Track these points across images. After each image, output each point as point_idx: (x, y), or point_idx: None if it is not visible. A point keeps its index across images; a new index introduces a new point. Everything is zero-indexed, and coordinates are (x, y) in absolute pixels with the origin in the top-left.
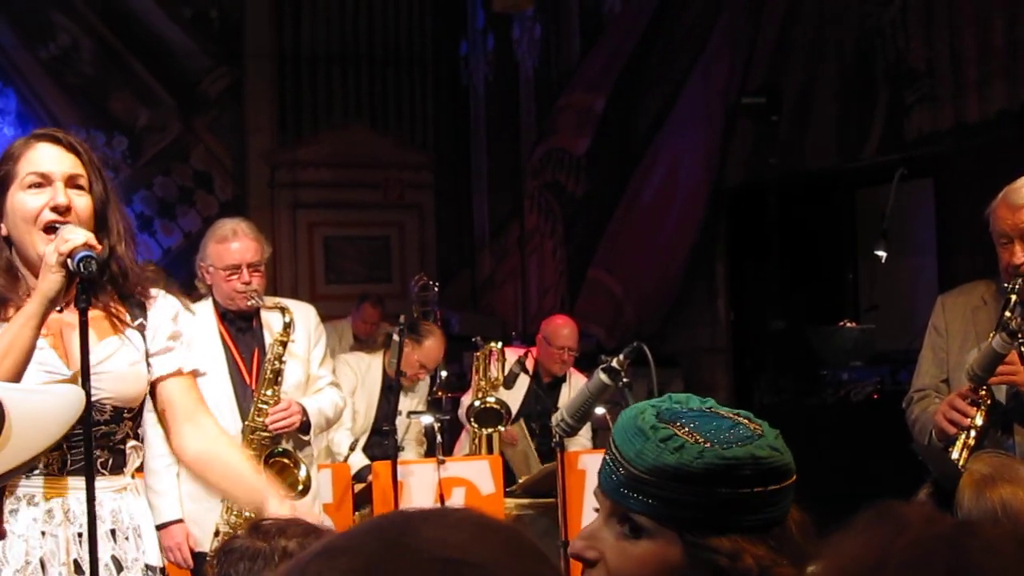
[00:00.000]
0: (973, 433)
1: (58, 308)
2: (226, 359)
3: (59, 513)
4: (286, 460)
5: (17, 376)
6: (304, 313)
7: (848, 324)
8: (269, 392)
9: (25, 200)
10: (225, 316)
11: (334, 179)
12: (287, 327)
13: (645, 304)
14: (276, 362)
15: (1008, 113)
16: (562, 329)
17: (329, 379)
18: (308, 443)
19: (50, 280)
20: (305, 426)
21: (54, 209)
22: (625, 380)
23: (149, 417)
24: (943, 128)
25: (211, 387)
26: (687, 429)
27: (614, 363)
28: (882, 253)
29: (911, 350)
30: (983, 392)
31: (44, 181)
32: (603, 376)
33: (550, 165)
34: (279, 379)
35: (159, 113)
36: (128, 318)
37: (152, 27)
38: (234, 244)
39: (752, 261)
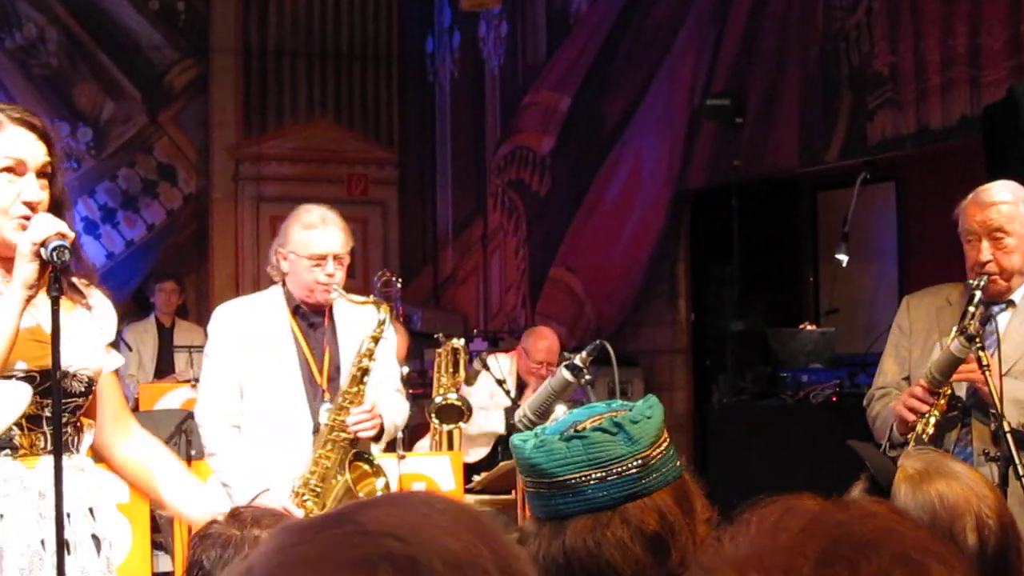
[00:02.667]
0: (933, 420)
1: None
2: (297, 356)
3: (50, 494)
4: (367, 467)
5: (3, 363)
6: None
7: (808, 327)
8: (354, 389)
9: None
10: (297, 310)
11: (298, 174)
12: (381, 323)
13: (606, 303)
14: (366, 359)
15: (970, 119)
16: (539, 343)
17: (396, 386)
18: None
19: (26, 269)
20: (380, 433)
21: (26, 203)
22: (588, 378)
23: (202, 409)
24: (906, 133)
25: (282, 385)
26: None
27: (577, 360)
28: (843, 257)
29: (871, 353)
30: (943, 389)
31: (17, 168)
32: (566, 373)
33: (514, 163)
34: (365, 377)
35: (124, 105)
36: (75, 295)
37: (118, 19)
38: (322, 232)
39: (713, 262)
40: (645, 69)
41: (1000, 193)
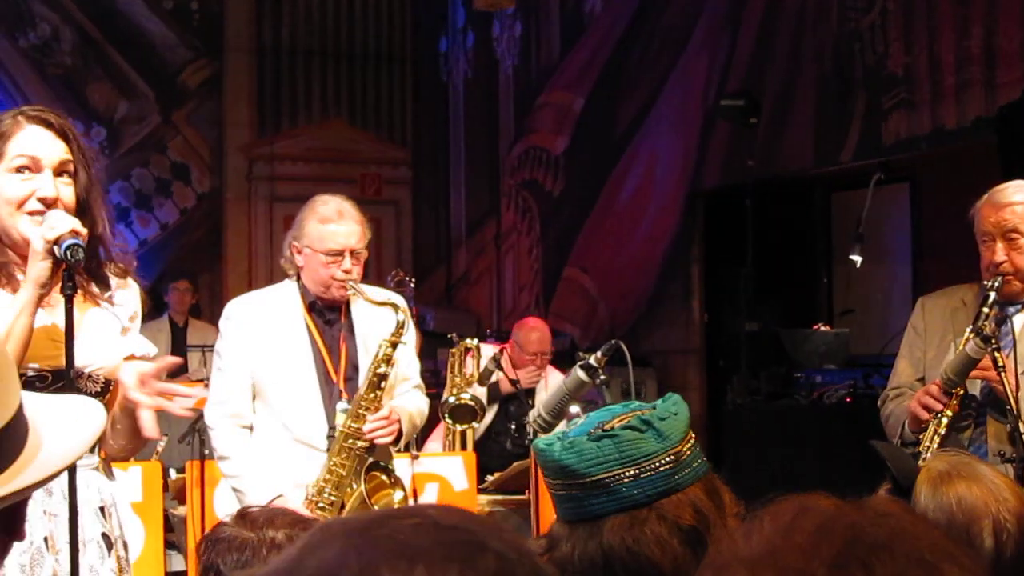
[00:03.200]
0: (945, 421)
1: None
2: (312, 354)
3: (57, 491)
4: (384, 477)
5: (18, 363)
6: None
7: (822, 327)
8: (371, 395)
9: (11, 183)
10: (313, 306)
11: (311, 173)
12: (400, 326)
13: (620, 303)
14: (383, 364)
15: (985, 120)
16: (531, 334)
17: (416, 381)
18: (393, 453)
19: (39, 268)
20: (397, 435)
21: (41, 200)
22: (603, 378)
23: (211, 409)
24: (920, 133)
25: (297, 384)
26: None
27: (592, 360)
28: (857, 258)
29: (884, 355)
30: (956, 389)
31: (33, 166)
32: (581, 373)
33: (528, 163)
34: (382, 383)
35: (138, 104)
36: (97, 291)
37: (132, 18)
38: (338, 226)
39: (727, 263)
40: (659, 69)
41: (1015, 194)
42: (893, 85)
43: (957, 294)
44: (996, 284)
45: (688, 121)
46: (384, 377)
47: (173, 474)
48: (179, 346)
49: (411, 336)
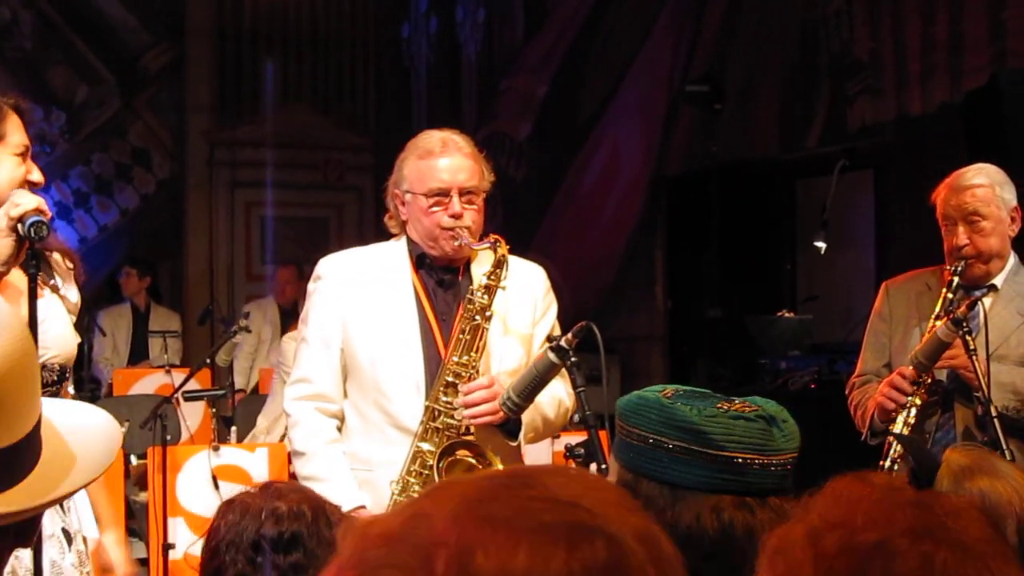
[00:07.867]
0: (913, 411)
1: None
2: (419, 323)
3: None
4: (470, 456)
5: None
6: (530, 274)
7: (786, 314)
8: (464, 359)
9: (13, 166)
10: (421, 262)
11: (273, 159)
12: (499, 265)
13: (583, 289)
14: (478, 316)
15: (950, 106)
16: None
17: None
18: (517, 448)
19: (1, 244)
20: (514, 425)
21: (34, 183)
22: (574, 359)
23: (290, 390)
24: (885, 120)
25: (399, 357)
26: None
27: (563, 342)
28: (822, 244)
29: (849, 341)
30: (924, 375)
31: (26, 153)
32: (551, 355)
33: (490, 149)
34: (479, 341)
35: (98, 89)
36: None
37: (93, 2)
38: (442, 160)
39: (691, 249)
40: (623, 55)
41: (975, 177)
42: (858, 71)
43: (921, 278)
44: (959, 268)
45: (652, 107)
46: (480, 332)
47: (134, 460)
48: (140, 332)
49: (534, 290)
